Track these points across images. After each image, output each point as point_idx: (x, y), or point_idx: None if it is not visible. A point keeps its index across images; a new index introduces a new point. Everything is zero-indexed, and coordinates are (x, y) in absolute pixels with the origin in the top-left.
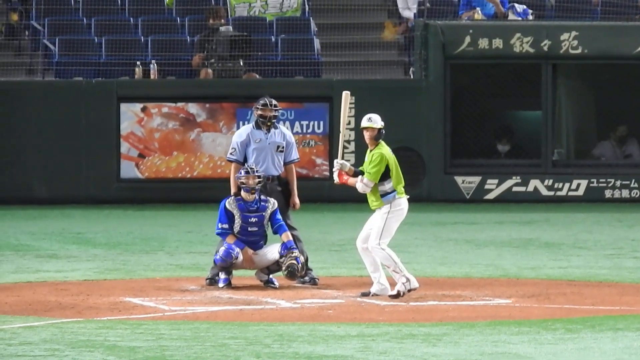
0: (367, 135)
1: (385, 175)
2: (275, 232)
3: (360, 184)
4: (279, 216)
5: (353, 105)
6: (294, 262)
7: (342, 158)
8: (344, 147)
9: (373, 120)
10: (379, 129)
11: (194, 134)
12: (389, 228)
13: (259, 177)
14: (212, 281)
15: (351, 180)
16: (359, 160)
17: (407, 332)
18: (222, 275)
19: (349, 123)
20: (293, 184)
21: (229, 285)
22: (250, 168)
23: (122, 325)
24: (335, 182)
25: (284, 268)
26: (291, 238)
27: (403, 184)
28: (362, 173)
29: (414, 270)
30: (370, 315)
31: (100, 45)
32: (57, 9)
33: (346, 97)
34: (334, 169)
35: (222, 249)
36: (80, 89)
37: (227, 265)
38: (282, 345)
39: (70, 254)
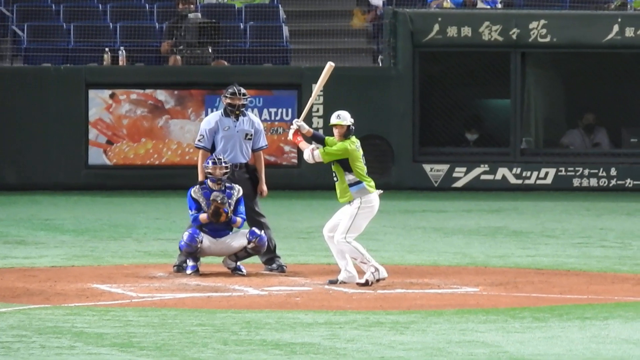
0: (336, 132)
1: (347, 168)
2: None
3: (309, 152)
4: (242, 208)
5: (322, 93)
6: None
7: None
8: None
9: (342, 117)
10: (348, 126)
11: (163, 120)
12: (357, 224)
13: (226, 167)
14: (180, 268)
15: (302, 145)
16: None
17: (375, 320)
18: (189, 262)
19: (317, 110)
20: (261, 171)
21: (196, 272)
22: (218, 158)
23: (90, 312)
24: (288, 138)
25: (249, 247)
26: (240, 224)
27: (370, 180)
28: (322, 139)
29: (381, 258)
30: (338, 302)
31: (68, 31)
32: None
33: (329, 68)
34: (291, 127)
35: (185, 234)
36: (48, 75)
37: (192, 250)
38: (250, 332)
39: (38, 240)
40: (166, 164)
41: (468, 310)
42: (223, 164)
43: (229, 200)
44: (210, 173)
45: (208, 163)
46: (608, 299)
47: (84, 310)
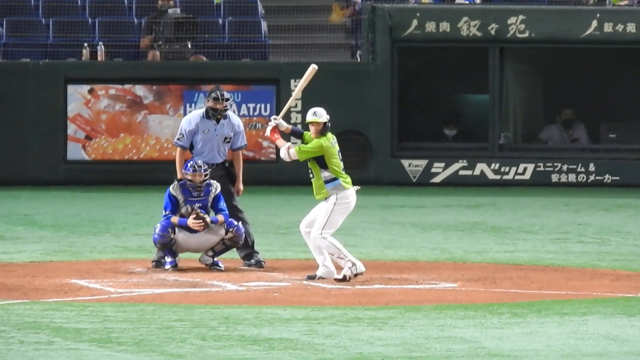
0: (312, 129)
1: (323, 165)
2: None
3: (285, 151)
4: (222, 204)
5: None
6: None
7: (283, 119)
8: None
9: (318, 115)
10: (325, 123)
11: (141, 115)
12: (333, 220)
13: (205, 174)
14: (159, 263)
15: (279, 142)
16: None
17: (353, 316)
18: (168, 258)
19: (295, 106)
20: (239, 170)
21: (175, 267)
22: (198, 166)
23: (68, 307)
24: (266, 135)
25: (227, 237)
26: (224, 221)
27: (346, 176)
28: (301, 134)
29: (360, 254)
30: (316, 298)
31: (47, 26)
32: None
33: (312, 71)
34: (269, 124)
35: (158, 226)
36: (27, 70)
37: (166, 240)
38: (228, 328)
39: (16, 235)
40: (145, 159)
41: (446, 306)
42: (203, 171)
43: (208, 197)
44: (190, 180)
45: (188, 169)
46: (587, 295)
47: (62, 306)
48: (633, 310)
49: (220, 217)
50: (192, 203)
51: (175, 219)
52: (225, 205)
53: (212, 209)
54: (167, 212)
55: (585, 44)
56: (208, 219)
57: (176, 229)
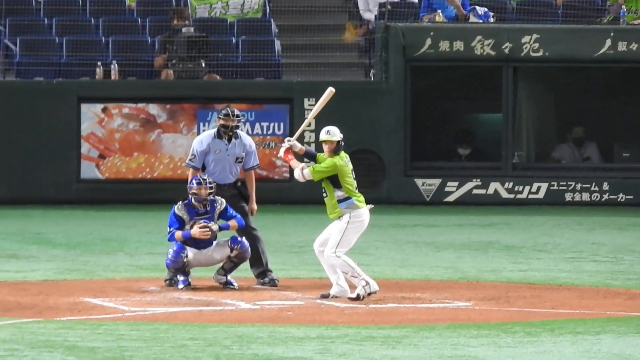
0: (326, 148)
1: (337, 184)
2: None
3: (299, 172)
4: (231, 212)
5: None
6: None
7: (297, 140)
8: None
9: (332, 133)
10: (338, 142)
11: (155, 134)
12: (347, 239)
13: (210, 187)
14: (172, 282)
15: (293, 163)
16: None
17: (367, 335)
18: (181, 277)
19: (309, 125)
20: (252, 190)
21: (188, 286)
22: (203, 179)
23: (82, 326)
24: (279, 155)
25: (233, 255)
26: (236, 226)
27: (360, 195)
28: (314, 155)
29: (373, 273)
30: (330, 317)
31: (61, 45)
32: (18, 9)
33: (329, 93)
34: (283, 144)
35: (170, 251)
36: (40, 89)
37: (178, 266)
38: (242, 346)
39: (30, 254)
40: (158, 178)
41: (460, 325)
42: (208, 185)
43: (213, 214)
44: (195, 193)
45: (193, 184)
46: (600, 314)
47: (76, 324)
48: None
49: (233, 222)
50: (197, 221)
51: (179, 233)
52: (234, 212)
53: (223, 218)
54: (171, 229)
55: (599, 63)
56: (214, 227)
57: (187, 251)
